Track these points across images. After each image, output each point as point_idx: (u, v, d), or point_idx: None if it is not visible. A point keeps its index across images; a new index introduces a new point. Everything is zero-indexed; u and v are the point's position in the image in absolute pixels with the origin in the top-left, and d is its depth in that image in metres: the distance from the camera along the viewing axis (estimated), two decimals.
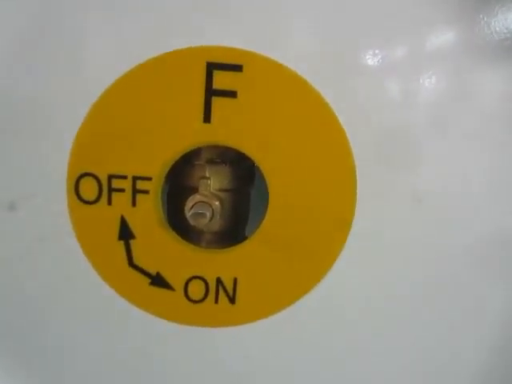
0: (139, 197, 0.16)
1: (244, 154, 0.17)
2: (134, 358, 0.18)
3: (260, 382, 0.18)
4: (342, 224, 0.17)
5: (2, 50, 0.15)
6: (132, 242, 0.16)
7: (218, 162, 0.18)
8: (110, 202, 0.16)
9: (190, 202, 0.16)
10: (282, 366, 0.18)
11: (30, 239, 0.16)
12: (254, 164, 0.18)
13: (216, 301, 0.17)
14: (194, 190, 0.17)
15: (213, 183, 0.17)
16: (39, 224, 0.16)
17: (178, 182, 0.17)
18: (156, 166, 0.16)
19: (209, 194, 0.17)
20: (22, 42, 0.15)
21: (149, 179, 0.16)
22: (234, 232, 0.19)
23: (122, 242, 0.16)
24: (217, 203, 0.17)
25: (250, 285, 0.17)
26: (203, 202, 0.16)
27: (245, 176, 0.19)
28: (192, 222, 0.16)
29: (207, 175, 0.17)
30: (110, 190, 0.16)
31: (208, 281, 0.17)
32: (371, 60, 0.16)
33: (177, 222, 0.17)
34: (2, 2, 0.15)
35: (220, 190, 0.18)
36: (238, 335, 0.18)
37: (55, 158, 0.16)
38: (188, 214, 0.16)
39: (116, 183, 0.16)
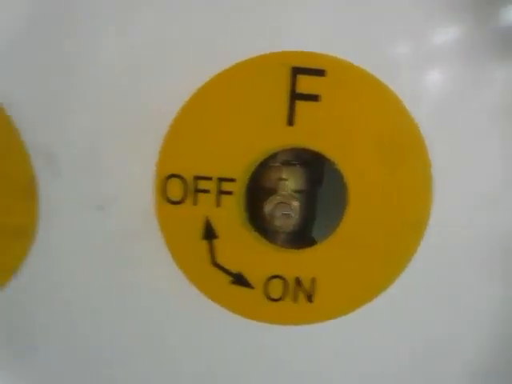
0: (223, 198, 0.17)
1: (316, 156, 0.18)
2: (213, 354, 0.18)
3: (337, 380, 0.19)
4: (417, 225, 0.17)
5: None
6: (215, 241, 0.17)
7: (293, 163, 0.18)
8: (195, 203, 0.17)
9: (269, 203, 0.17)
10: (358, 363, 0.18)
11: (117, 238, 0.17)
12: (323, 165, 0.19)
13: (295, 299, 0.18)
14: (272, 191, 0.17)
15: (289, 184, 0.18)
16: (127, 223, 0.17)
17: (255, 183, 0.18)
18: (240, 167, 0.17)
19: (288, 194, 0.17)
20: None
21: (233, 180, 0.17)
22: (303, 232, 0.19)
23: (205, 242, 0.17)
24: (296, 204, 0.17)
25: (328, 284, 0.17)
26: (284, 202, 0.17)
27: (316, 177, 0.19)
28: (278, 223, 0.16)
29: (284, 177, 0.18)
30: (196, 190, 0.17)
31: (287, 280, 0.17)
32: (446, 64, 0.17)
33: (254, 222, 0.18)
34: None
35: (295, 191, 0.18)
36: (316, 333, 0.18)
37: (144, 160, 0.16)
38: (273, 214, 0.16)
39: (201, 184, 0.17)
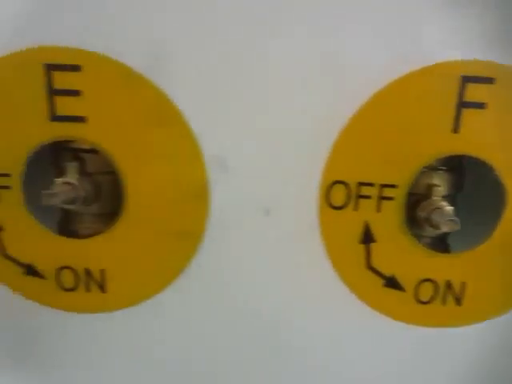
0: (384, 203, 0.17)
1: (460, 161, 0.18)
2: (359, 353, 0.19)
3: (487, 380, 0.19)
4: None
5: None
6: (372, 245, 0.17)
7: (441, 168, 0.18)
8: (356, 208, 0.17)
9: (424, 209, 0.17)
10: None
11: (281, 240, 0.18)
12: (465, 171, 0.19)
13: (443, 303, 0.18)
14: (423, 197, 0.18)
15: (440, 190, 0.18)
16: (291, 226, 0.17)
17: None
18: (403, 174, 0.17)
19: (440, 199, 0.18)
20: None
21: (395, 186, 0.17)
22: (442, 238, 0.19)
23: (362, 246, 0.17)
24: (451, 209, 0.17)
25: (478, 288, 0.18)
26: (439, 208, 0.17)
27: (458, 182, 0.19)
28: (444, 228, 0.16)
29: (436, 183, 0.18)
30: (358, 196, 0.17)
31: (438, 283, 0.18)
32: None
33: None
34: None
35: (443, 197, 0.18)
36: (463, 335, 0.18)
37: (311, 166, 0.17)
38: (430, 219, 0.17)
39: (364, 190, 0.17)
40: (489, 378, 0.19)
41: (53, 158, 0.18)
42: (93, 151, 0.17)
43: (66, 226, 0.19)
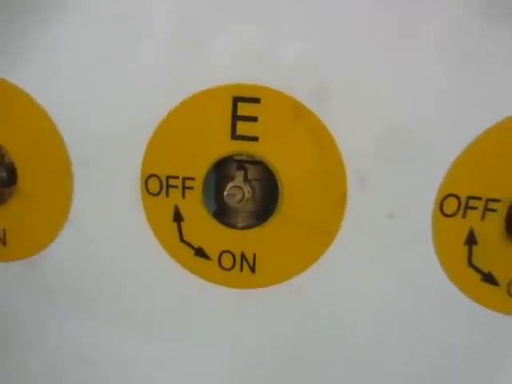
0: (488, 214, 0.21)
1: None
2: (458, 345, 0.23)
3: None
4: None
5: None
6: (475, 246, 0.22)
7: None
8: (464, 216, 0.21)
9: None
10: None
11: (400, 243, 0.22)
12: None
13: None
14: None
15: None
16: (409, 231, 0.22)
17: None
18: (508, 190, 0.21)
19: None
20: None
21: (498, 201, 0.21)
22: None
23: (466, 247, 0.22)
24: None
25: None
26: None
27: None
28: None
29: None
30: (467, 207, 0.21)
31: None
32: None
33: None
34: None
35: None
36: None
37: (431, 178, 0.21)
38: None
39: (472, 203, 0.21)
40: None
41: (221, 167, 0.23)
42: (252, 162, 0.23)
43: (222, 218, 0.24)
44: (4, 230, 0.25)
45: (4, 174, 0.25)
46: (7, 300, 0.27)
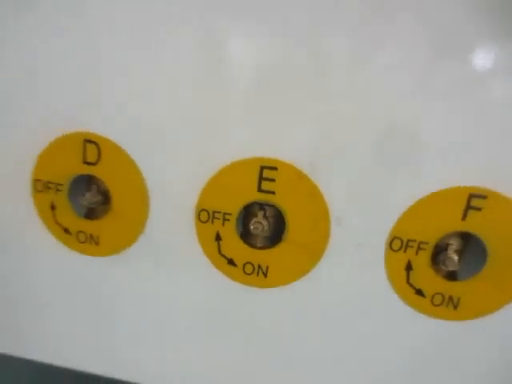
0: (420, 251, 0.33)
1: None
2: None
3: None
4: None
5: None
6: (411, 272, 0.33)
7: None
8: (405, 251, 0.33)
9: None
10: None
11: (365, 265, 0.34)
12: None
13: None
14: None
15: None
16: (370, 258, 0.34)
17: None
18: None
19: None
20: None
21: None
22: None
23: (405, 272, 0.33)
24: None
25: None
26: None
27: None
28: None
29: None
30: (406, 246, 0.33)
31: None
32: None
33: None
34: None
35: None
36: None
37: (384, 226, 0.33)
38: None
39: (409, 244, 0.33)
40: None
41: None
42: (269, 205, 0.34)
43: (246, 239, 0.36)
44: (98, 236, 0.37)
45: (100, 197, 0.37)
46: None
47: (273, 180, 0.33)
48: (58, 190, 0.36)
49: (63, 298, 0.41)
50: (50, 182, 0.36)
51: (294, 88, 0.31)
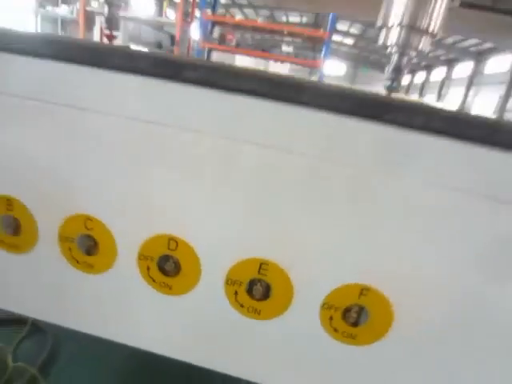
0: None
1: None
2: None
3: None
4: None
5: None
6: (332, 321, 0.65)
7: None
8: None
9: None
10: None
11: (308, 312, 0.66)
12: None
13: None
14: None
15: None
16: (313, 313, 0.66)
17: None
18: None
19: None
20: None
21: None
22: None
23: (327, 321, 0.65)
24: None
25: None
26: None
27: None
28: None
29: None
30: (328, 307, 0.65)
31: None
32: None
33: None
34: None
35: None
36: None
37: (316, 298, 0.65)
38: None
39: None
40: None
41: None
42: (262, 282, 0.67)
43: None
44: None
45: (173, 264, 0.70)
46: None
47: (266, 269, 0.65)
48: None
49: None
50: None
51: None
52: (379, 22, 3.00)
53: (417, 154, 0.53)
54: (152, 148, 0.61)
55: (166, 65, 0.56)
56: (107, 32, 5.09)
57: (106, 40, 5.22)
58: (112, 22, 4.94)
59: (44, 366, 1.02)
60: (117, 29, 5.12)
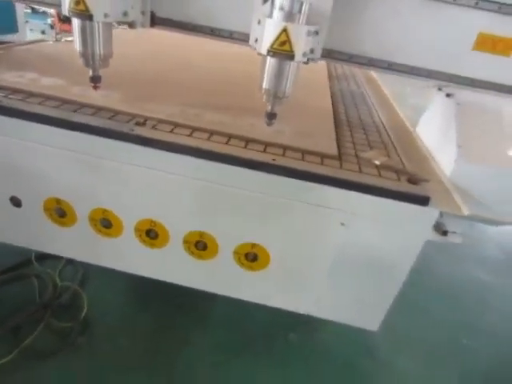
0: None
1: None
2: None
3: None
4: None
5: None
6: None
7: None
8: None
9: None
10: None
11: None
12: None
13: None
14: None
15: None
16: None
17: None
18: None
19: None
20: None
21: None
22: None
23: None
24: None
25: None
26: None
27: None
28: None
29: None
30: None
31: None
32: None
33: None
34: None
35: None
36: None
37: None
38: None
39: None
40: None
41: None
42: None
43: None
44: None
45: None
46: None
47: (204, 237, 1.24)
48: None
49: None
50: None
51: None
52: None
53: None
54: None
55: None
56: None
57: None
58: None
59: (81, 283, 1.66)
60: None
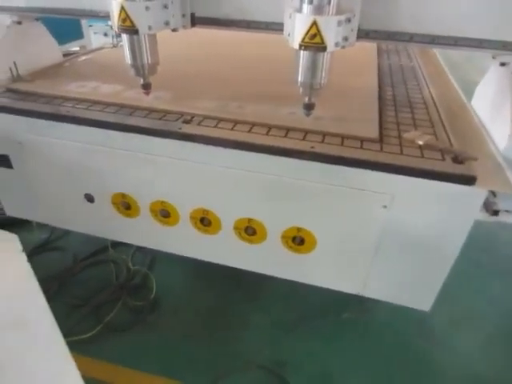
0: None
1: None
2: None
3: None
4: None
5: None
6: None
7: None
8: None
9: None
10: None
11: None
12: None
13: None
14: None
15: None
16: None
17: None
18: None
19: None
20: None
21: None
22: None
23: None
24: None
25: None
26: None
27: None
28: None
29: None
30: None
31: None
32: None
33: None
34: None
35: None
36: None
37: None
38: None
39: None
40: None
41: None
42: None
43: None
44: None
45: None
46: None
47: (252, 224, 1.32)
48: None
49: None
50: None
51: None
52: None
53: None
54: None
55: None
56: None
57: None
58: None
59: (150, 267, 1.85)
60: None
